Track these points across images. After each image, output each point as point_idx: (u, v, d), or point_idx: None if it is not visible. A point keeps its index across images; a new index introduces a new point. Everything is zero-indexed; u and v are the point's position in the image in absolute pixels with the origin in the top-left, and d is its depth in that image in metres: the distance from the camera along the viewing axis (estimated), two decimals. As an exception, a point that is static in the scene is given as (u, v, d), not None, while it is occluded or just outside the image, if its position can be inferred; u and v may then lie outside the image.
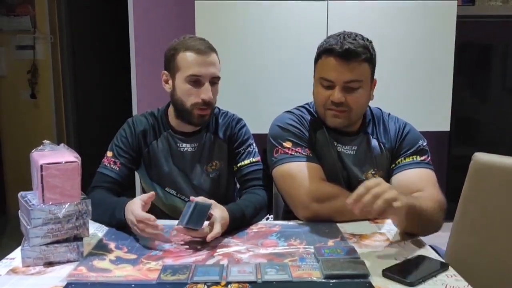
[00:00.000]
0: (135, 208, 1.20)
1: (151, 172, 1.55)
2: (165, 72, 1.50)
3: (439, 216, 1.28)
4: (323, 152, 1.45)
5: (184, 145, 1.53)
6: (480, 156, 1.27)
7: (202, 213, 1.19)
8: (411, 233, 1.26)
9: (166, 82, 1.50)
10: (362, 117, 1.47)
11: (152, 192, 1.27)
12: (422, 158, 1.41)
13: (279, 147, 1.43)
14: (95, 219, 1.35)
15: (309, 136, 1.45)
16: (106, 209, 1.34)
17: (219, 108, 1.62)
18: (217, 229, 1.19)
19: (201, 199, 1.23)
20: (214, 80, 1.46)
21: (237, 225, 1.31)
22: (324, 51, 1.37)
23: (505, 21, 2.91)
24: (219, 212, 1.25)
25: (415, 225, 1.23)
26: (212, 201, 1.25)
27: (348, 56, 1.32)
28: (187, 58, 1.42)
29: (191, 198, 1.23)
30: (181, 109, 1.47)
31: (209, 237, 1.17)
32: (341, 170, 1.45)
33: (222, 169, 1.57)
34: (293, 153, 1.41)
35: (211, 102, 1.45)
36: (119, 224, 1.31)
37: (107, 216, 1.34)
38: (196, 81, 1.43)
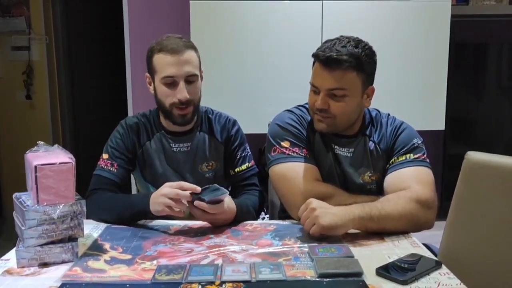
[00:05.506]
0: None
1: (145, 173, 1.55)
2: (147, 74, 1.51)
3: (422, 215, 1.28)
4: (320, 153, 1.45)
5: (176, 145, 1.53)
6: (473, 155, 1.27)
7: (217, 194, 1.29)
8: (402, 231, 1.27)
9: (150, 84, 1.51)
10: (357, 121, 1.45)
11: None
12: (416, 156, 1.41)
13: (277, 146, 1.43)
14: (100, 218, 1.38)
15: (307, 137, 1.45)
16: (118, 205, 1.37)
17: (212, 109, 1.62)
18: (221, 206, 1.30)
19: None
20: (190, 79, 1.43)
21: (243, 218, 1.40)
22: (313, 56, 1.38)
23: (499, 20, 2.93)
24: (228, 199, 1.34)
25: (381, 229, 1.26)
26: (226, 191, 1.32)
27: (329, 64, 1.31)
28: (161, 60, 1.42)
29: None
30: (163, 110, 1.49)
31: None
32: (337, 172, 1.45)
33: (218, 170, 1.57)
34: (290, 153, 1.41)
35: (189, 100, 1.44)
36: (134, 216, 1.36)
37: (118, 210, 1.37)
38: (171, 82, 1.42)
